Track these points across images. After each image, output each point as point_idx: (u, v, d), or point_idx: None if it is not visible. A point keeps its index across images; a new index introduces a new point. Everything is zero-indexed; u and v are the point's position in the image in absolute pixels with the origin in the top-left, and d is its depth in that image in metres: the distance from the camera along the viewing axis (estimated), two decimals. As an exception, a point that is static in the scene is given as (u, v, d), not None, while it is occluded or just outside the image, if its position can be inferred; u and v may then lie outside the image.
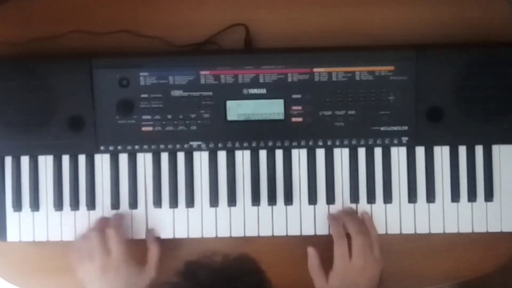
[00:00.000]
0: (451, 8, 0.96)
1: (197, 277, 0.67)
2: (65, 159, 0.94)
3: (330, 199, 0.93)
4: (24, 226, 0.94)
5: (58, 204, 0.94)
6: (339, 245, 0.88)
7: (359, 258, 0.87)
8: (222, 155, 0.94)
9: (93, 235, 0.88)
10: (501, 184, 0.93)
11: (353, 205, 0.94)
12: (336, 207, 0.93)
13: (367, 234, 0.89)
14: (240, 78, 0.92)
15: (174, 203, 0.94)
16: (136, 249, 0.91)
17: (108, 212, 0.94)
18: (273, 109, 0.93)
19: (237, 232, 0.93)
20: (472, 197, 0.93)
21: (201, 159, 0.94)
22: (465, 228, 0.93)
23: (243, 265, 0.71)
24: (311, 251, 0.90)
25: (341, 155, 0.94)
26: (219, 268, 0.69)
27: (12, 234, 0.94)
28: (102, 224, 0.91)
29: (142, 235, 0.94)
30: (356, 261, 0.87)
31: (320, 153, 0.94)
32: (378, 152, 0.94)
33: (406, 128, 0.93)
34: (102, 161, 0.94)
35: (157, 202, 0.94)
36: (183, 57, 0.93)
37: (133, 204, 0.94)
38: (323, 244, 0.90)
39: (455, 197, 0.93)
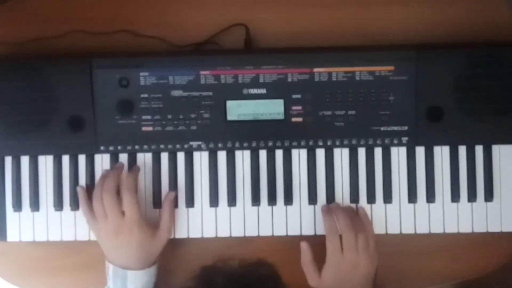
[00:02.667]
0: (451, 8, 0.96)
1: (213, 282, 0.67)
2: (65, 159, 0.94)
3: (330, 199, 0.93)
4: (24, 226, 0.94)
5: (58, 204, 0.94)
6: (331, 239, 0.88)
7: (350, 253, 0.87)
8: (222, 155, 0.94)
9: (107, 197, 0.87)
10: (501, 184, 0.93)
11: (353, 205, 0.93)
12: (336, 207, 0.93)
13: (358, 228, 0.88)
14: (240, 78, 0.92)
15: (174, 203, 0.94)
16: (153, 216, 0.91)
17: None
18: (273, 109, 0.93)
19: (237, 232, 0.93)
20: (472, 197, 0.93)
21: (201, 159, 0.94)
22: (465, 228, 0.93)
23: (261, 270, 0.70)
24: (304, 246, 0.89)
25: (341, 155, 0.94)
26: (236, 273, 0.69)
27: (12, 234, 0.94)
28: (114, 181, 0.89)
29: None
30: (347, 256, 0.87)
31: (320, 153, 0.94)
32: (378, 152, 0.94)
33: (406, 128, 0.93)
34: (102, 161, 0.94)
35: (157, 202, 0.94)
36: (183, 57, 0.93)
37: (133, 204, 0.94)
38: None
39: (455, 197, 0.93)
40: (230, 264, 0.70)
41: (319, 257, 0.89)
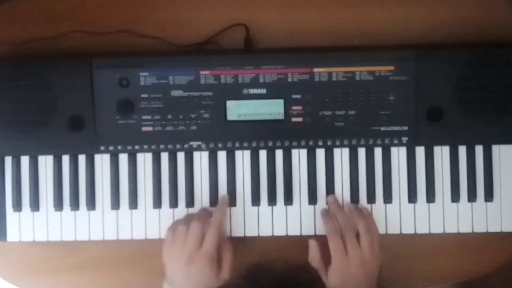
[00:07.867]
0: (451, 8, 0.96)
1: (259, 282, 0.67)
2: (65, 159, 0.94)
3: (330, 199, 0.93)
4: (24, 226, 0.94)
5: (58, 204, 0.94)
6: (333, 241, 0.88)
7: (355, 252, 0.87)
8: (222, 155, 0.94)
9: (195, 223, 0.87)
10: (501, 184, 0.93)
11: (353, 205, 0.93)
12: (336, 207, 0.93)
13: (362, 228, 0.88)
14: (240, 78, 0.92)
15: (174, 203, 0.94)
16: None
17: (108, 211, 0.94)
18: (273, 109, 0.93)
19: (237, 232, 0.93)
20: (472, 197, 0.93)
21: (201, 159, 0.94)
22: (465, 228, 0.93)
23: (307, 275, 0.70)
24: (312, 244, 0.89)
25: (341, 155, 0.94)
26: (281, 274, 0.68)
27: (12, 234, 0.94)
28: (206, 216, 0.89)
29: (141, 235, 0.94)
30: (352, 256, 0.87)
31: (320, 153, 0.94)
32: (378, 152, 0.94)
33: (406, 128, 0.93)
34: (102, 161, 0.94)
35: (157, 202, 0.94)
36: (183, 57, 0.93)
37: (133, 204, 0.94)
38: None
39: (455, 197, 0.93)
40: (276, 264, 0.69)
41: (325, 255, 0.89)
